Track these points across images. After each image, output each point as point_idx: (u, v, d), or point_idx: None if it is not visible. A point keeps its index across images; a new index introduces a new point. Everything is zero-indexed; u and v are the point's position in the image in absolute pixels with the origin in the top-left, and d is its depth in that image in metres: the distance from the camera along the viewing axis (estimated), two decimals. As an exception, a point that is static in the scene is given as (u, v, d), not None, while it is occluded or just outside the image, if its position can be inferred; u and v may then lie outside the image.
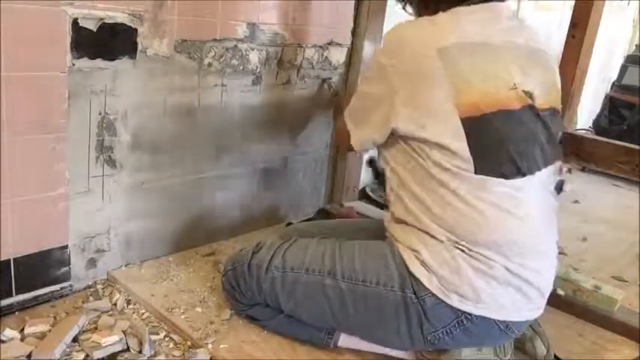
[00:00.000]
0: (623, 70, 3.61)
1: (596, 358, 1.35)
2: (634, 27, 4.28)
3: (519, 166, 1.06)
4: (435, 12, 1.12)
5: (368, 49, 1.86)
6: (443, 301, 1.05)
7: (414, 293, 1.07)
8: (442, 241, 1.06)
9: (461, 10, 1.11)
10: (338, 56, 1.85)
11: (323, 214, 1.87)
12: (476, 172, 1.04)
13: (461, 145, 1.03)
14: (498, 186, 1.04)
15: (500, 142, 1.05)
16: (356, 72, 1.88)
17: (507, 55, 1.11)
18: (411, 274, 1.08)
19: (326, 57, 1.81)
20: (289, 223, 1.73)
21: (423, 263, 1.07)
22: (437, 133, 1.05)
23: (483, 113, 1.04)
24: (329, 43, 1.80)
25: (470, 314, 1.05)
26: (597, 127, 3.59)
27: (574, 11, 1.46)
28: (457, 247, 1.05)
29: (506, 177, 1.05)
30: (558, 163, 1.16)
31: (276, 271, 1.19)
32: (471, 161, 1.04)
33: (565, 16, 3.17)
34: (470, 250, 1.04)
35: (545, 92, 1.14)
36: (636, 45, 3.93)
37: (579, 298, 1.53)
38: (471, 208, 1.04)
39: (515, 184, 1.05)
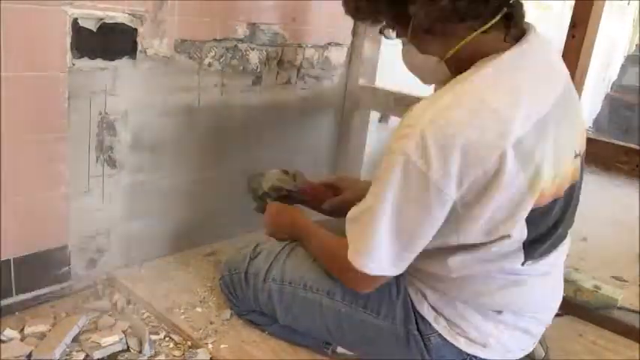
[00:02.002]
0: (623, 70, 3.61)
1: (596, 358, 1.35)
2: (634, 27, 4.29)
3: (556, 246, 1.01)
4: (443, 37, 0.90)
5: (368, 49, 1.87)
6: (449, 343, 1.01)
7: (419, 331, 1.03)
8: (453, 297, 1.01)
9: (504, 61, 0.88)
10: (338, 56, 1.85)
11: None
12: (522, 264, 0.96)
13: (522, 235, 0.93)
14: (527, 267, 0.97)
15: (550, 229, 0.97)
16: (356, 72, 1.88)
17: (564, 116, 0.94)
18: (416, 312, 1.03)
19: (326, 57, 1.81)
20: None
21: (430, 305, 1.02)
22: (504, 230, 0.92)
23: (546, 203, 0.92)
24: (329, 43, 1.80)
25: (475, 356, 1.02)
26: (597, 127, 3.60)
27: (574, 11, 1.46)
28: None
29: (542, 258, 0.99)
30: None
31: (273, 283, 1.16)
32: (522, 249, 0.94)
33: (565, 16, 3.18)
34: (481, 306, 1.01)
35: (582, 138, 1.03)
36: (636, 45, 3.93)
37: (579, 298, 1.53)
38: (495, 285, 0.98)
39: (545, 261, 1.00)
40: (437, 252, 0.96)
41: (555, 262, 1.05)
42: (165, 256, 1.56)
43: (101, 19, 1.22)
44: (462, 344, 1.01)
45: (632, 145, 1.42)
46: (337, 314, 1.09)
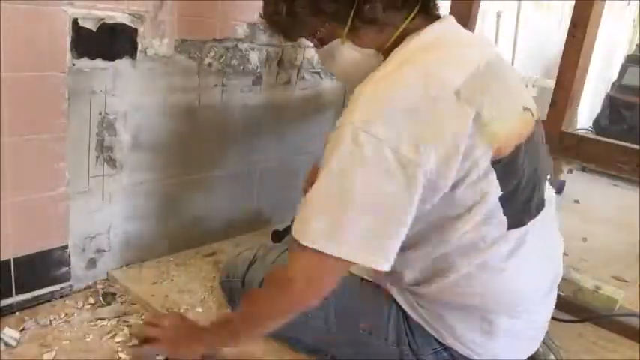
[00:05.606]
0: (623, 70, 3.60)
1: (596, 358, 1.35)
2: (634, 27, 4.28)
3: (531, 209, 0.96)
4: (383, 27, 0.94)
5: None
6: (444, 357, 1.00)
7: (411, 350, 1.01)
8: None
9: (428, 32, 0.93)
10: (338, 56, 1.84)
11: None
12: (508, 228, 0.92)
13: (494, 192, 0.90)
14: (505, 241, 0.93)
15: (520, 184, 0.93)
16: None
17: (502, 72, 0.97)
18: (409, 326, 1.02)
19: (326, 57, 1.80)
20: (276, 232, 1.54)
21: (421, 316, 1.01)
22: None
23: (505, 155, 0.90)
24: (329, 43, 1.80)
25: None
26: (597, 127, 3.59)
27: (574, 11, 1.46)
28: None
29: (521, 225, 0.94)
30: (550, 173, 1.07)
31: None
32: (503, 213, 0.91)
33: (565, 16, 3.18)
34: (471, 312, 0.98)
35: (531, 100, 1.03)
36: (636, 45, 3.92)
37: (579, 298, 1.53)
38: (480, 277, 0.94)
39: (523, 231, 0.95)
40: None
41: (533, 235, 0.96)
42: (165, 256, 1.56)
43: (101, 19, 1.22)
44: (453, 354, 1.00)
45: (632, 145, 1.42)
46: (329, 331, 1.08)
